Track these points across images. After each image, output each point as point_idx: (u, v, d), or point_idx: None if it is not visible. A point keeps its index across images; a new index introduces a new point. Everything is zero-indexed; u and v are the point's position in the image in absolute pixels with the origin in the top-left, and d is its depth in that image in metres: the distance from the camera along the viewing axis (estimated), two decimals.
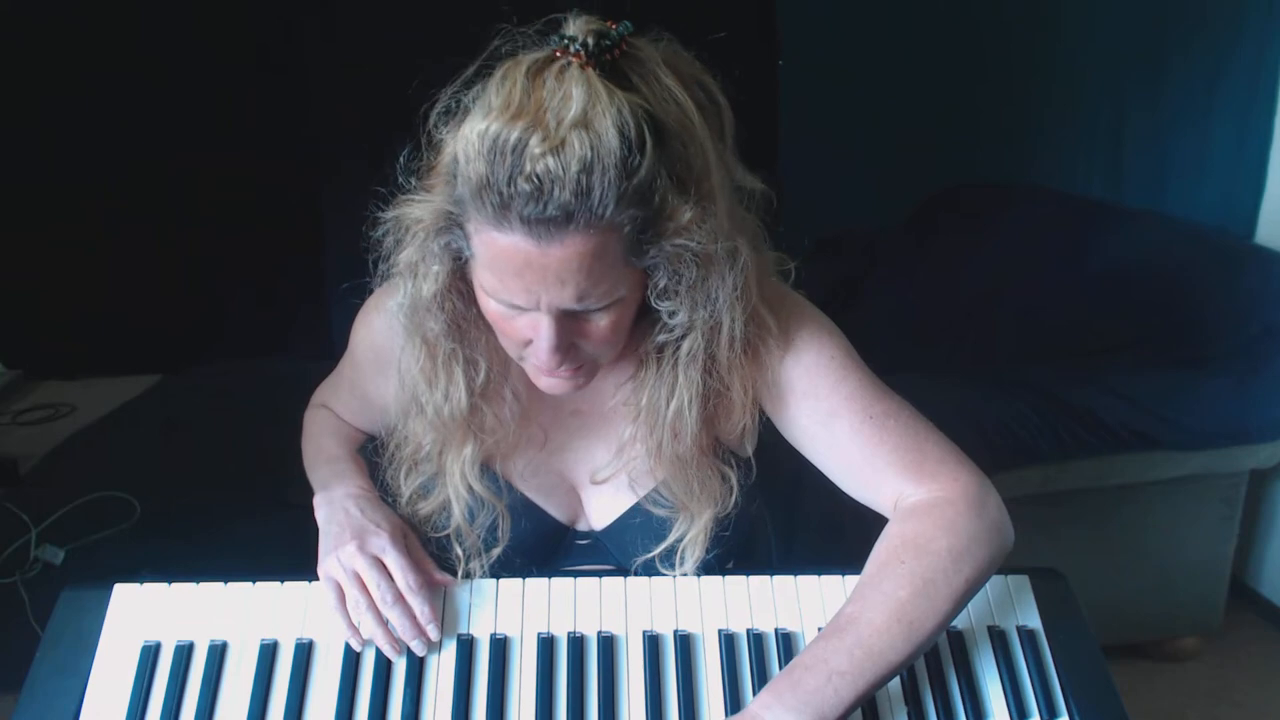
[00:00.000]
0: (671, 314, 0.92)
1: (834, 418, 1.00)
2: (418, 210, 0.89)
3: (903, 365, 1.18)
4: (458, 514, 1.03)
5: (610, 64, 0.84)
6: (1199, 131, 2.42)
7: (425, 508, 1.06)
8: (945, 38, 3.26)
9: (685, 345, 0.94)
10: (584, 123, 0.79)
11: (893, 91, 3.32)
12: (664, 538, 1.05)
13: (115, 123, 3.19)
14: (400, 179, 0.91)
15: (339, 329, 1.17)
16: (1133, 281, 2.22)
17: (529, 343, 0.91)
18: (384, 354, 1.06)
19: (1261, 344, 2.04)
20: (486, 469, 1.05)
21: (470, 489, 1.02)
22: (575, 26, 0.85)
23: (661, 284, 0.89)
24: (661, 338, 0.95)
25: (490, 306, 0.91)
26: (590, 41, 0.83)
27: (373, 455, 1.11)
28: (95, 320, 3.35)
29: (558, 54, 0.83)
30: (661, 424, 0.98)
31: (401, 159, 0.91)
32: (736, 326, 0.93)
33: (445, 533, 1.05)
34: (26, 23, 3.07)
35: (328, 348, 1.24)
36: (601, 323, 0.90)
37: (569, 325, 0.89)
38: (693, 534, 1.03)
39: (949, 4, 3.26)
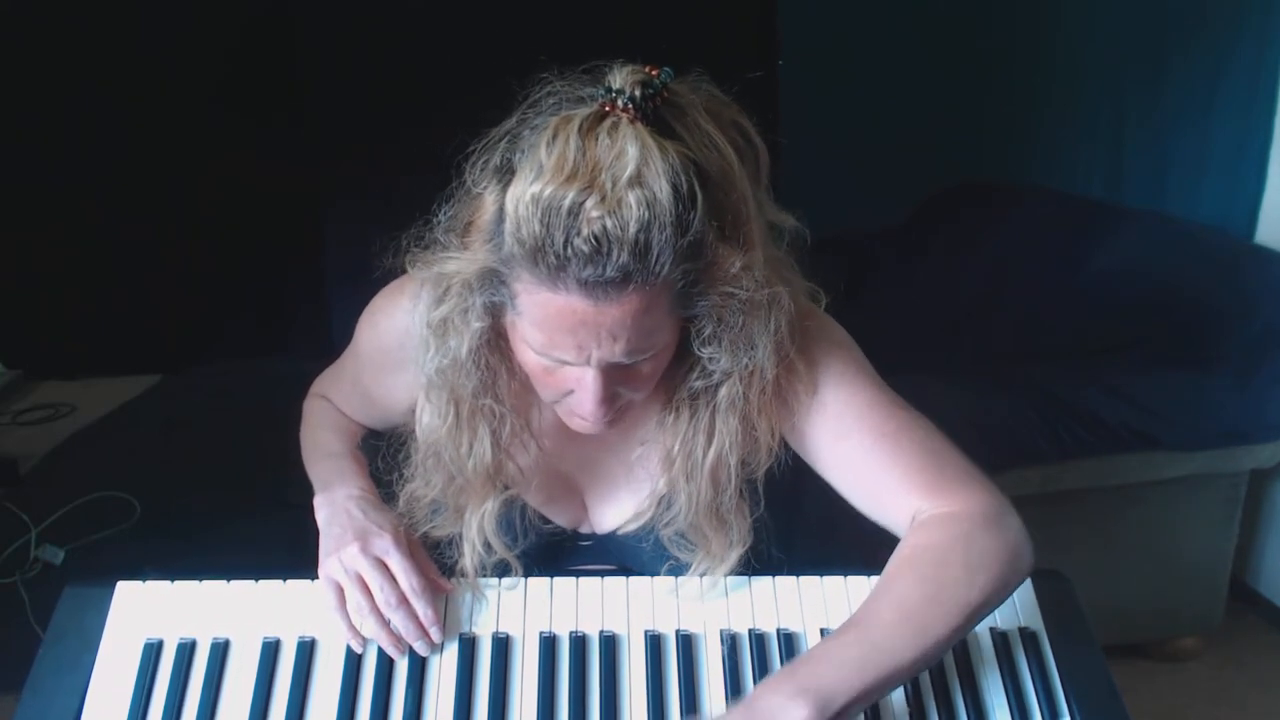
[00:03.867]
0: (713, 359, 0.91)
1: (845, 437, 0.99)
2: (456, 265, 0.87)
3: (902, 365, 1.17)
4: (469, 563, 1.02)
5: (654, 112, 0.83)
6: (1199, 131, 2.42)
7: (436, 533, 1.05)
8: (945, 38, 3.26)
9: (724, 391, 0.93)
10: (639, 181, 0.78)
11: (893, 91, 3.32)
12: (679, 565, 1.04)
13: (115, 123, 3.19)
14: (440, 235, 0.90)
15: (339, 329, 1.17)
16: (1133, 281, 2.22)
17: (569, 392, 0.91)
18: (391, 355, 1.05)
19: (1261, 344, 2.04)
20: (506, 510, 1.04)
21: (487, 544, 1.01)
22: (620, 78, 0.83)
23: (706, 331, 0.89)
24: (699, 383, 0.94)
25: (531, 359, 0.90)
26: (637, 94, 0.81)
27: (379, 470, 1.09)
28: (95, 320, 3.34)
29: (607, 108, 0.81)
30: (700, 473, 0.97)
31: (442, 216, 0.90)
32: (769, 371, 0.92)
33: (452, 562, 1.04)
34: (26, 22, 3.07)
35: (328, 348, 1.23)
36: (644, 370, 0.90)
37: (613, 376, 0.88)
38: (712, 578, 1.03)
39: (949, 4, 3.26)
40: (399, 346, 1.02)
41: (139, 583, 1.04)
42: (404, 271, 0.95)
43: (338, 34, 3.27)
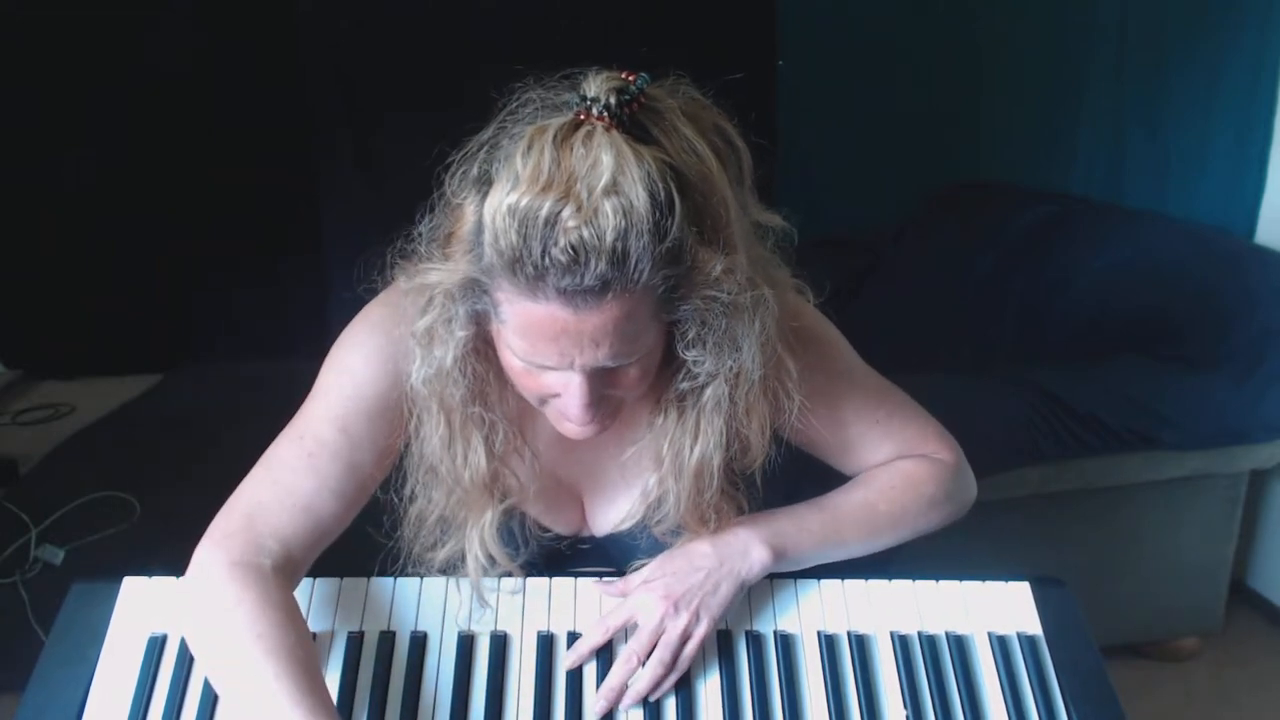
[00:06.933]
0: (697, 362, 0.91)
1: (843, 427, 1.09)
2: (438, 276, 0.87)
3: (903, 365, 1.19)
4: (472, 574, 1.01)
5: (631, 118, 0.82)
6: (1199, 131, 2.41)
7: (439, 557, 1.02)
8: (945, 38, 3.26)
9: (709, 392, 0.93)
10: (615, 189, 0.78)
11: (893, 91, 3.31)
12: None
13: (115, 122, 3.19)
14: (422, 246, 0.89)
15: (339, 329, 1.14)
16: (1133, 281, 2.22)
17: (555, 396, 0.91)
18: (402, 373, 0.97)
19: (1261, 344, 2.04)
20: (505, 521, 1.02)
21: (489, 556, 1.00)
22: (595, 86, 0.83)
23: (690, 334, 0.89)
24: (685, 385, 0.94)
25: (517, 365, 0.89)
26: (612, 101, 0.81)
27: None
28: (95, 320, 3.34)
29: (581, 117, 0.81)
30: (686, 473, 0.97)
31: (423, 227, 0.90)
32: (756, 372, 0.92)
33: (456, 576, 1.03)
34: (27, 22, 3.07)
35: (328, 348, 1.19)
36: (631, 373, 0.89)
37: (599, 379, 0.88)
38: None
39: (949, 4, 3.26)
40: (408, 359, 0.95)
41: (145, 578, 1.04)
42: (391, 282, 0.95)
43: (338, 32, 3.27)
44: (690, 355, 0.90)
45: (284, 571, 0.94)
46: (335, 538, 1.00)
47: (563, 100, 0.84)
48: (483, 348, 0.92)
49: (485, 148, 0.86)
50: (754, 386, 0.93)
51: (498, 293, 0.84)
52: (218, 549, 0.94)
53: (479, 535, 0.99)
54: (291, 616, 0.91)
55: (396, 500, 1.02)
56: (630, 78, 0.84)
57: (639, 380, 0.90)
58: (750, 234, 0.92)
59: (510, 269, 0.80)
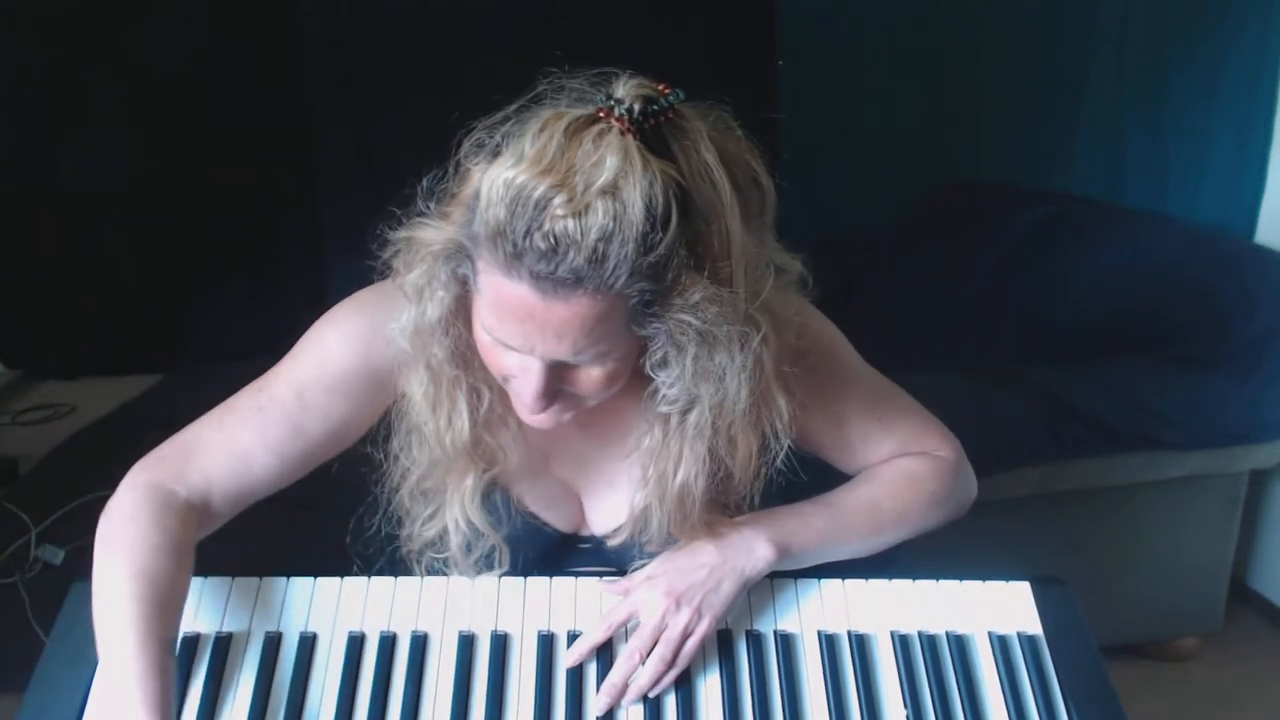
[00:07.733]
0: (666, 384, 0.91)
1: (844, 425, 1.11)
2: (430, 234, 0.88)
3: (903, 365, 1.19)
4: (454, 545, 1.01)
5: (653, 129, 0.82)
6: (1199, 131, 2.41)
7: (428, 532, 1.03)
8: (945, 38, 3.26)
9: (692, 418, 0.93)
10: (612, 191, 0.78)
11: (893, 92, 3.32)
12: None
13: (115, 122, 3.19)
14: (420, 202, 0.90)
15: None
16: (1133, 281, 2.22)
17: (515, 377, 0.91)
18: (381, 374, 1.00)
19: (1261, 344, 2.04)
20: (489, 493, 1.03)
21: (469, 522, 1.00)
22: (624, 89, 0.83)
23: (659, 355, 0.89)
24: (664, 408, 0.94)
25: (484, 338, 0.90)
26: (636, 108, 0.81)
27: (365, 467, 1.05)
28: (95, 320, 3.34)
29: (601, 114, 0.82)
30: (669, 496, 0.97)
31: (425, 182, 0.90)
32: (740, 406, 0.91)
33: (445, 555, 1.03)
34: (27, 21, 3.07)
35: None
36: (593, 373, 0.89)
37: (558, 373, 0.88)
38: None
39: (949, 5, 3.26)
40: (387, 358, 0.98)
41: None
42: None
43: (338, 32, 3.27)
44: (660, 376, 0.90)
45: (196, 507, 1.00)
46: (261, 497, 1.04)
47: (592, 95, 0.85)
48: (468, 314, 0.93)
49: (510, 121, 0.86)
50: (737, 421, 0.93)
51: (478, 261, 0.85)
52: (145, 468, 1.02)
53: (460, 499, 1.00)
54: (174, 544, 0.96)
55: (383, 456, 1.02)
56: (665, 90, 0.84)
57: (601, 384, 0.90)
58: (758, 271, 0.90)
59: (492, 241, 0.81)
